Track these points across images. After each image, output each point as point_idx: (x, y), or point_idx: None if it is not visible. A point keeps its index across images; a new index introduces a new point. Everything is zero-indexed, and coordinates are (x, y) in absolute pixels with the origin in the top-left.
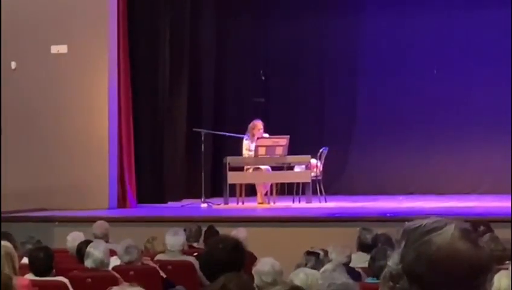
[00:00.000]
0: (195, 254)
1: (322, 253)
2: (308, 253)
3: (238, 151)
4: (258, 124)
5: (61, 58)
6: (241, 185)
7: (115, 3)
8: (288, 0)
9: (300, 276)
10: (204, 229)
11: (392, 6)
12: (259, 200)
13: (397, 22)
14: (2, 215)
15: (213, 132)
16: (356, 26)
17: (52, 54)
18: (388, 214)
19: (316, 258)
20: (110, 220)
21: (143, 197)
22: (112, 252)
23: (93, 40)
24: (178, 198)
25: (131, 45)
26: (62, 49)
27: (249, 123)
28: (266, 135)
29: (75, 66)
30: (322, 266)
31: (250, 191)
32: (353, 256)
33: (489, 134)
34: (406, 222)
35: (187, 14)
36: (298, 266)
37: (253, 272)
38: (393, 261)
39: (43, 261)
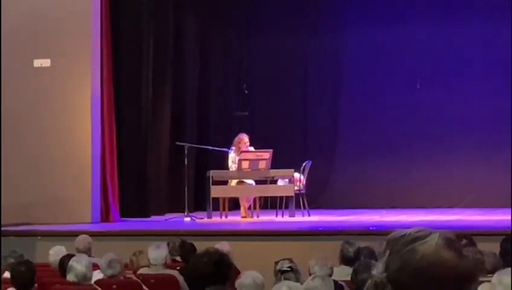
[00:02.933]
0: (178, 267)
1: (292, 264)
2: (282, 272)
3: (222, 165)
4: (244, 137)
5: (44, 72)
6: (224, 199)
7: (98, 18)
8: (271, 16)
9: (283, 289)
10: (177, 244)
11: (373, 22)
12: (243, 214)
13: (379, 38)
14: None
15: (196, 145)
16: (338, 42)
17: (35, 68)
18: (371, 228)
19: (294, 272)
20: (93, 234)
21: (126, 211)
22: (95, 266)
23: (76, 53)
24: (161, 212)
25: (114, 59)
26: (45, 62)
27: (232, 137)
28: (252, 148)
29: (58, 79)
30: (299, 276)
31: (234, 205)
32: (336, 269)
33: (471, 148)
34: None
35: (170, 29)
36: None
37: (236, 285)
38: (377, 270)
39: (25, 275)
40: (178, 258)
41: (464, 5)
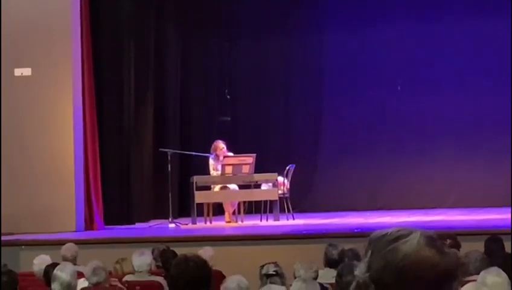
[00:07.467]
0: (164, 274)
1: (278, 268)
2: (267, 276)
3: (205, 171)
4: (219, 144)
5: (25, 80)
6: (208, 204)
7: (78, 26)
8: (252, 20)
9: None
10: (156, 251)
11: (354, 26)
12: (227, 219)
13: (360, 41)
14: None
15: (179, 151)
16: (320, 46)
17: (15, 77)
18: (355, 230)
19: (279, 276)
20: (77, 243)
21: (110, 219)
22: (80, 274)
23: (57, 62)
24: (146, 219)
25: (96, 67)
26: (26, 72)
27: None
28: (230, 154)
29: (40, 88)
30: (284, 280)
31: (218, 210)
32: (321, 272)
33: (454, 148)
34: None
35: (152, 35)
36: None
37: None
38: (360, 270)
39: (7, 285)
40: None
41: (449, 7)
